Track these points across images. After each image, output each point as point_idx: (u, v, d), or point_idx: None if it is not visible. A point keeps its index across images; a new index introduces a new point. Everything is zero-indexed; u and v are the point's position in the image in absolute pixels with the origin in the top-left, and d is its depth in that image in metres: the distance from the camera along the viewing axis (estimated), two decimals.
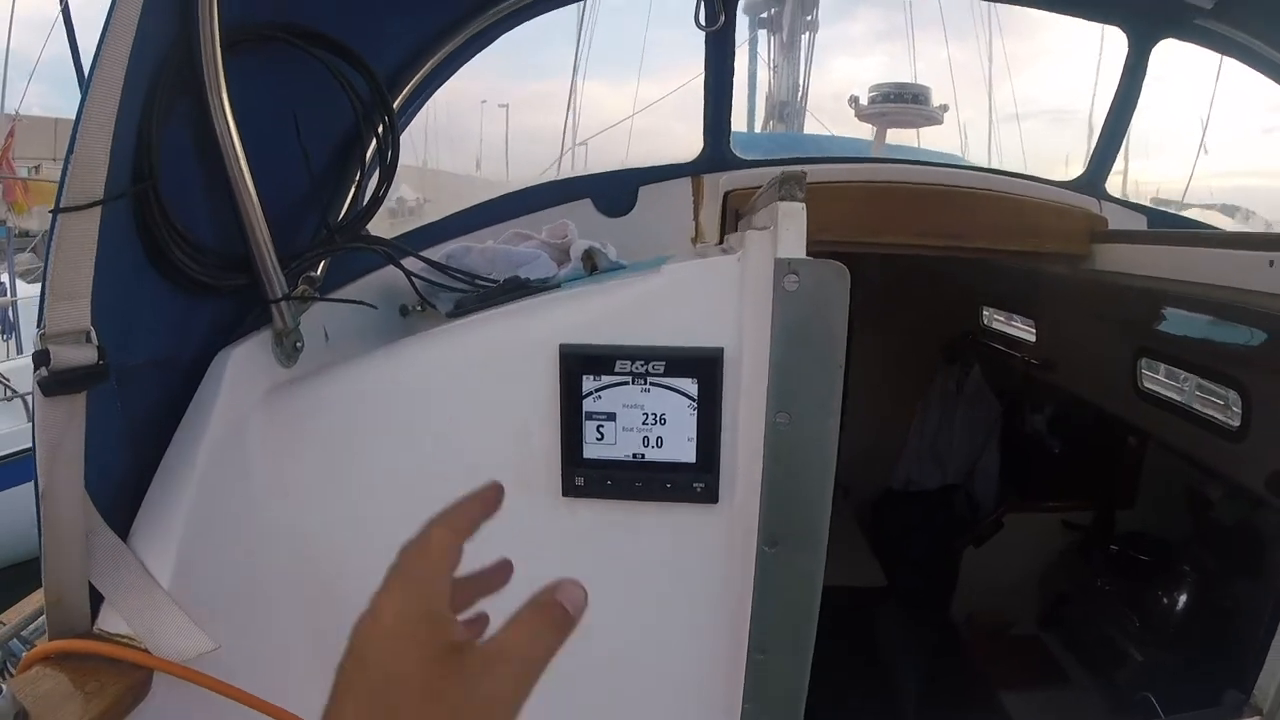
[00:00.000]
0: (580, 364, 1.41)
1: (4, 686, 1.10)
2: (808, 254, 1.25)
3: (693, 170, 2.91)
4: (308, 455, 1.56)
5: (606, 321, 1.42)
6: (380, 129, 1.88)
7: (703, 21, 2.63)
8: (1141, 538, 3.14)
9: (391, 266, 1.89)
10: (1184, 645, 2.76)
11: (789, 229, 1.24)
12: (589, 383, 1.41)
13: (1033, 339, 3.93)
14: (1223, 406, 2.98)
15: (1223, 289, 2.02)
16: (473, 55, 2.36)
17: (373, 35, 1.88)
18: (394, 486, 1.52)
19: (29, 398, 7.52)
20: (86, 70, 1.07)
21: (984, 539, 3.55)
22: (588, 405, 1.42)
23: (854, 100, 5.02)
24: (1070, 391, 3.61)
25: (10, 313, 10.11)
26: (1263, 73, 2.76)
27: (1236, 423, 2.59)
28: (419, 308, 1.97)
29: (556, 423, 1.45)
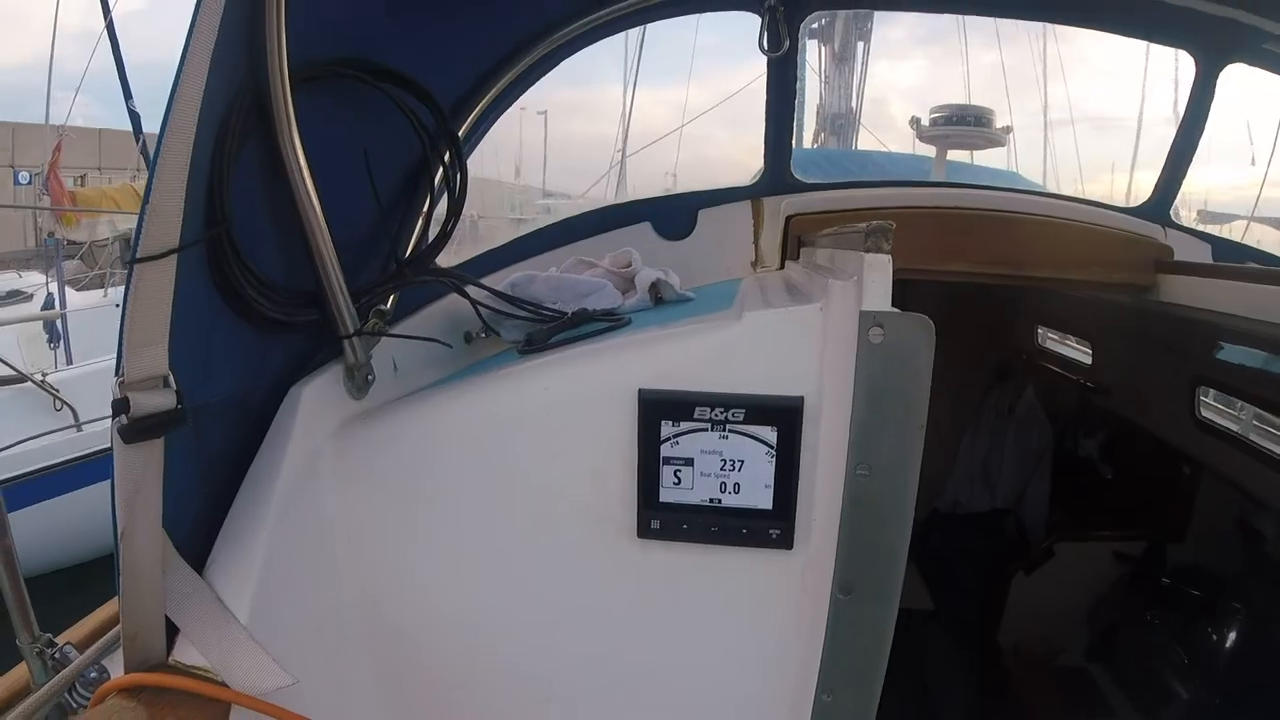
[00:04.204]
0: (659, 409, 1.41)
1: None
2: None
3: (752, 193, 2.91)
4: (380, 489, 1.57)
5: (686, 367, 1.42)
6: (446, 159, 1.89)
7: (766, 47, 2.62)
8: (1194, 572, 3.07)
9: (454, 294, 1.90)
10: (1232, 684, 2.70)
11: (875, 281, 1.23)
12: (667, 428, 1.41)
13: (1088, 361, 3.87)
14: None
15: None
16: (532, 83, 2.38)
17: (434, 67, 1.89)
18: (467, 523, 1.54)
19: (77, 409, 7.64)
20: (128, 82, 1.08)
21: (1034, 566, 3.49)
22: (665, 450, 1.42)
23: (915, 121, 4.96)
24: (1125, 417, 3.54)
25: (60, 324, 10.25)
26: None
27: None
28: (483, 335, 1.99)
29: (633, 465, 1.45)
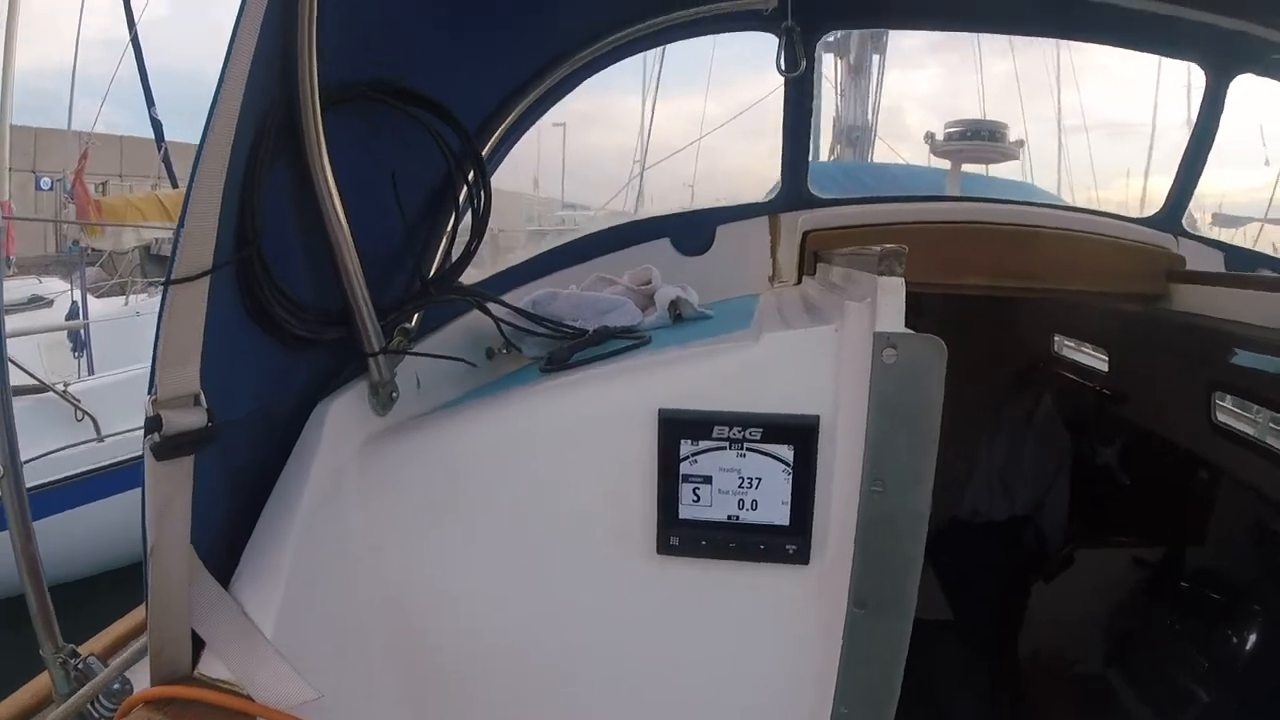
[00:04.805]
0: (679, 429, 1.44)
1: None
2: None
3: (770, 209, 2.93)
4: (404, 505, 1.59)
5: (705, 387, 1.45)
6: (470, 179, 1.92)
7: (784, 67, 2.64)
8: (1213, 576, 3.05)
9: (476, 310, 1.94)
10: (1252, 688, 2.69)
11: (888, 304, 1.26)
12: (686, 446, 1.44)
13: (1105, 369, 3.86)
14: None
15: None
16: (554, 103, 2.41)
17: (460, 89, 1.93)
18: (489, 538, 1.56)
19: (98, 420, 7.68)
20: (152, 91, 1.11)
21: (1054, 574, 3.49)
22: (685, 468, 1.45)
23: (929, 137, 4.98)
24: (1142, 423, 3.53)
25: (83, 332, 10.32)
26: None
27: None
28: (504, 350, 2.01)
29: (653, 482, 1.47)
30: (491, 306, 1.91)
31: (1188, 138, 3.07)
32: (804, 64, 2.65)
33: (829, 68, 7.53)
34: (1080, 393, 4.01)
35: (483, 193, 1.95)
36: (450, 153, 1.82)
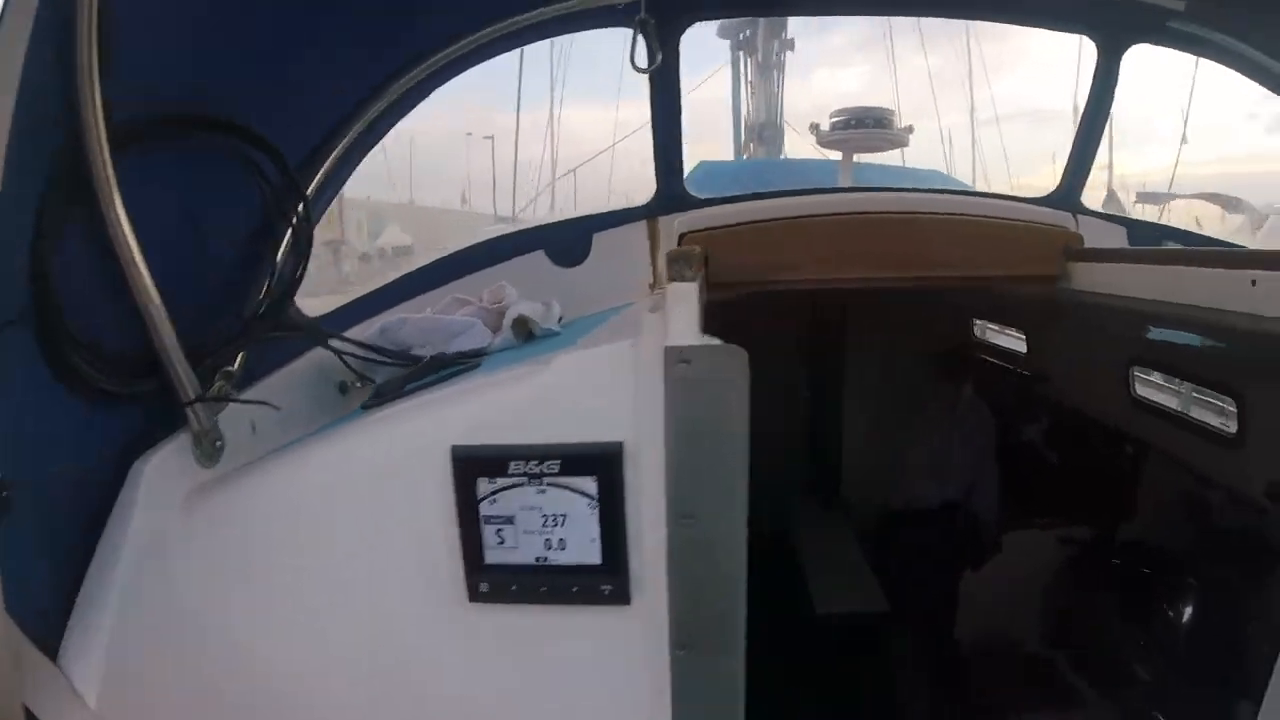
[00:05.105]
0: (473, 466, 1.34)
1: None
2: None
3: (647, 213, 2.86)
4: (227, 558, 1.52)
5: (499, 419, 1.36)
6: (292, 211, 1.84)
7: (639, 63, 2.49)
8: (1144, 550, 3.02)
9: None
10: (1192, 659, 2.66)
11: (680, 313, 1.17)
12: (484, 485, 1.34)
13: (1024, 350, 3.84)
14: (1219, 411, 2.89)
15: (1207, 310, 1.95)
16: (387, 130, 2.29)
17: (282, 118, 1.83)
18: (305, 592, 1.48)
19: None
20: None
21: (982, 561, 3.45)
22: (485, 509, 1.35)
23: (814, 127, 4.96)
24: (1065, 402, 3.50)
25: None
26: (1241, 72, 2.68)
27: (1234, 428, 2.50)
28: (357, 384, 1.93)
29: (457, 526, 1.39)
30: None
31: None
32: (659, 58, 2.55)
33: (742, 67, 7.56)
34: (1003, 375, 3.98)
35: (305, 221, 1.86)
36: (266, 183, 1.74)
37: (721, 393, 1.15)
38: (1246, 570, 2.50)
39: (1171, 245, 3.15)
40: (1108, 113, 2.95)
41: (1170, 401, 2.94)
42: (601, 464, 1.30)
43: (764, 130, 7.35)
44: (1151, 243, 3.16)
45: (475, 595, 1.40)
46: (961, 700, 3.30)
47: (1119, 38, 2.78)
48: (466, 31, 2.37)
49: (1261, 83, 2.69)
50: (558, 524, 1.34)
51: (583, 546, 1.34)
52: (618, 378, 1.28)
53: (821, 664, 3.42)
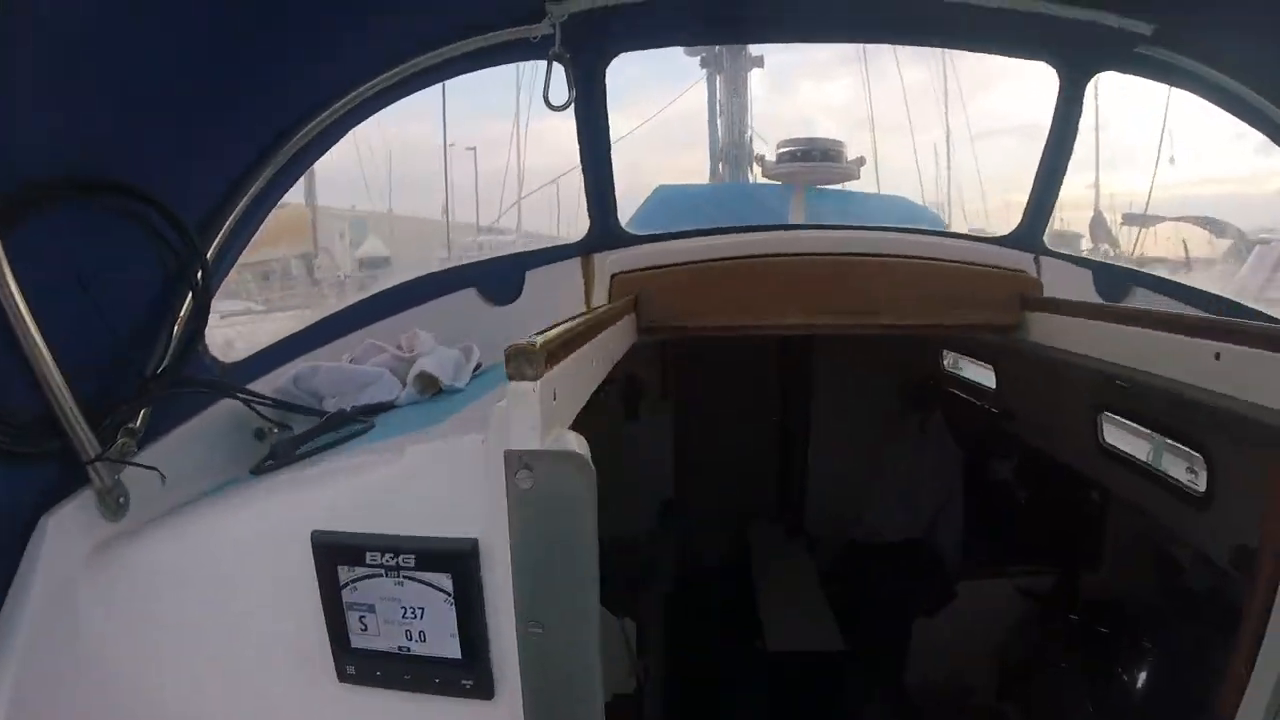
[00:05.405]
0: (333, 553, 1.31)
1: None
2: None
3: (581, 250, 2.78)
4: (130, 613, 1.53)
5: (358, 506, 1.33)
6: (192, 270, 1.80)
7: (552, 100, 2.42)
8: (1103, 607, 2.93)
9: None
10: None
11: (520, 416, 1.09)
12: (345, 573, 1.30)
13: (993, 386, 3.76)
14: (1189, 462, 2.79)
15: (1170, 381, 1.85)
16: (292, 183, 2.19)
17: (182, 173, 1.79)
18: (196, 649, 1.48)
19: None
20: None
21: (936, 609, 3.37)
22: (347, 595, 1.31)
23: (760, 159, 4.89)
24: (1031, 442, 3.41)
25: None
26: (1213, 101, 2.58)
27: (1202, 487, 2.41)
28: (274, 429, 1.88)
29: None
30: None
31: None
32: (573, 93, 2.48)
33: (713, 89, 7.50)
34: (971, 410, 3.91)
35: (202, 278, 1.81)
36: (165, 242, 1.71)
37: (568, 502, 1.09)
38: (1205, 638, 2.41)
39: (1139, 291, 3.06)
40: (1071, 146, 2.84)
41: (1140, 451, 2.84)
42: (457, 562, 1.26)
43: (730, 151, 7.28)
44: (1118, 286, 3.06)
45: (344, 676, 1.37)
46: None
47: (1083, 65, 2.70)
48: (370, 75, 2.26)
49: (1236, 113, 2.58)
50: (417, 616, 1.30)
51: (442, 640, 1.30)
52: (471, 471, 1.23)
53: (772, 700, 3.36)
